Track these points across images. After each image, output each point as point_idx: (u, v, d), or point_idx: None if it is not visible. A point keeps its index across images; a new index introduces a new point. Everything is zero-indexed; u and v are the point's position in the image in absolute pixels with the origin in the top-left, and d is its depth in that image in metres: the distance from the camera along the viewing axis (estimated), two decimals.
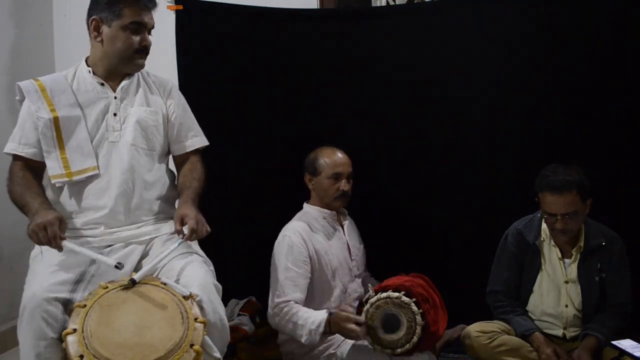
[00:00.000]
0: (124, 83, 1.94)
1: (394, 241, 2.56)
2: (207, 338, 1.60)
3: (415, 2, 3.11)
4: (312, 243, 2.17)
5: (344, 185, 2.22)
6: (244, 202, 2.70)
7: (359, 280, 2.31)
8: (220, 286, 1.77)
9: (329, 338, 2.10)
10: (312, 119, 2.63)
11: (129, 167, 1.88)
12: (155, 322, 1.54)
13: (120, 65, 1.91)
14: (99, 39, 1.89)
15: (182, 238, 1.77)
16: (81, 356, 1.44)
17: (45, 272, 1.66)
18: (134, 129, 1.91)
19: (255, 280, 2.39)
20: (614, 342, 1.98)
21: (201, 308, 1.64)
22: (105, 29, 1.87)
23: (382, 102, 2.60)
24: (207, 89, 2.62)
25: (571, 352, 2.09)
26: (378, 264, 2.44)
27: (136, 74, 1.98)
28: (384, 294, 1.94)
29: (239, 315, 2.65)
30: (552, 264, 2.18)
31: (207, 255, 1.89)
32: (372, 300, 1.96)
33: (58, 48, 3.14)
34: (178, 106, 2.05)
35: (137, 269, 1.77)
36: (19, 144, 1.85)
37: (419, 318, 1.90)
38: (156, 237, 1.89)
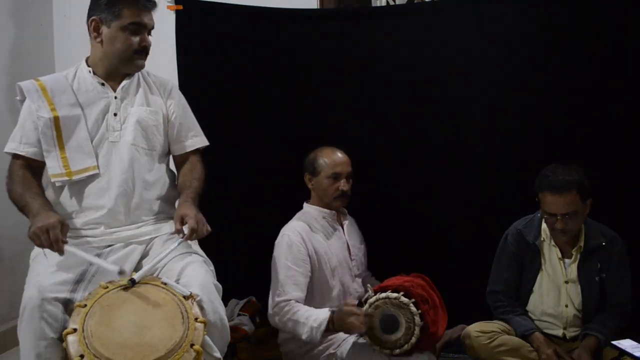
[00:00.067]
0: (124, 83, 1.94)
1: (394, 241, 2.56)
2: (207, 338, 1.60)
3: (415, 2, 3.11)
4: (311, 242, 2.17)
5: (343, 184, 2.22)
6: (244, 202, 2.70)
7: (359, 280, 2.31)
8: (220, 286, 1.77)
9: (329, 338, 2.10)
10: (312, 119, 2.63)
11: (129, 166, 1.88)
12: (155, 322, 1.54)
13: (120, 65, 1.91)
14: (98, 39, 1.89)
15: (183, 237, 1.77)
16: (82, 356, 1.44)
17: (46, 272, 1.66)
18: (134, 129, 1.91)
19: (255, 280, 2.39)
20: (614, 342, 1.98)
21: (201, 308, 1.64)
22: (104, 30, 1.87)
23: (382, 102, 2.60)
24: (207, 89, 2.62)
25: (571, 352, 2.09)
26: (378, 264, 2.44)
27: (136, 74, 1.98)
28: (383, 294, 1.94)
29: (239, 315, 2.65)
30: (552, 264, 2.18)
31: (207, 255, 1.88)
32: (371, 300, 1.96)
33: (58, 48, 3.15)
34: (178, 106, 2.05)
35: (137, 269, 1.78)
36: (19, 143, 1.85)
37: (417, 319, 1.90)
38: (156, 237, 1.89)
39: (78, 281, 1.67)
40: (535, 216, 2.22)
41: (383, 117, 2.61)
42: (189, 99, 2.13)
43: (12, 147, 1.86)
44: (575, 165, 2.09)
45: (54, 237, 1.62)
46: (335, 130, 2.58)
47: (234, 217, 2.66)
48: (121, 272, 1.64)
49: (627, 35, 2.33)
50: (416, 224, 2.59)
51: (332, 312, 1.99)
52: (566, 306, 2.16)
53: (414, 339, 1.90)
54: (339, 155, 2.27)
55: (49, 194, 1.86)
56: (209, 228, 1.81)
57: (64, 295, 1.61)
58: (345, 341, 2.09)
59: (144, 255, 1.84)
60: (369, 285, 2.22)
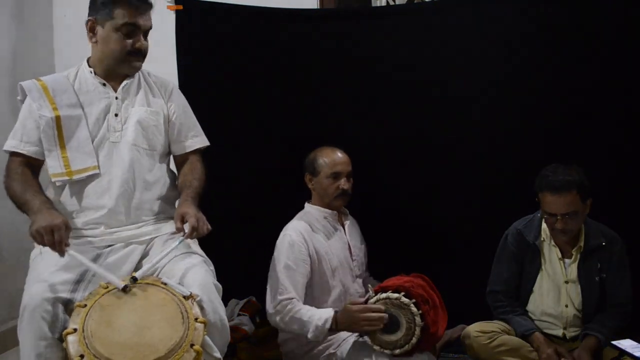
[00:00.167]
0: (124, 83, 1.94)
1: (394, 241, 2.56)
2: (207, 338, 1.61)
3: (415, 2, 3.11)
4: (312, 243, 2.17)
5: (343, 184, 2.22)
6: (244, 202, 2.70)
7: (359, 281, 2.31)
8: (220, 286, 1.77)
9: (329, 337, 2.10)
10: (312, 119, 2.63)
11: (130, 167, 1.88)
12: (155, 322, 1.55)
13: (115, 66, 1.91)
14: (94, 39, 1.89)
15: (183, 236, 1.76)
16: (82, 356, 1.45)
17: (46, 272, 1.66)
18: (135, 129, 1.91)
19: (255, 280, 2.38)
20: (614, 342, 1.98)
21: (201, 308, 1.64)
22: (99, 30, 1.87)
23: (382, 102, 2.59)
24: (207, 89, 2.61)
25: (571, 352, 2.09)
26: (378, 264, 2.44)
27: (137, 75, 1.98)
28: (384, 295, 1.94)
29: (239, 315, 2.65)
30: (552, 264, 2.18)
31: (207, 255, 1.88)
32: (372, 300, 1.96)
33: (58, 48, 3.15)
34: (179, 107, 2.05)
35: (137, 269, 1.77)
36: (20, 141, 1.85)
37: (418, 319, 1.90)
38: (156, 237, 1.89)
39: (78, 281, 1.67)
40: (535, 216, 2.23)
41: (383, 117, 2.60)
42: (189, 99, 2.13)
43: (12, 145, 1.85)
44: (575, 165, 2.09)
45: (58, 239, 1.62)
46: (335, 130, 2.58)
47: (234, 217, 2.66)
48: (125, 289, 1.62)
49: (627, 35, 2.33)
50: (416, 224, 2.59)
51: (336, 312, 1.99)
52: (566, 306, 2.16)
53: (414, 340, 1.90)
54: (339, 154, 2.27)
55: (50, 193, 1.86)
56: (210, 227, 1.81)
57: (64, 295, 1.61)
58: (345, 341, 2.09)
59: (144, 255, 1.84)
60: (369, 285, 2.22)
